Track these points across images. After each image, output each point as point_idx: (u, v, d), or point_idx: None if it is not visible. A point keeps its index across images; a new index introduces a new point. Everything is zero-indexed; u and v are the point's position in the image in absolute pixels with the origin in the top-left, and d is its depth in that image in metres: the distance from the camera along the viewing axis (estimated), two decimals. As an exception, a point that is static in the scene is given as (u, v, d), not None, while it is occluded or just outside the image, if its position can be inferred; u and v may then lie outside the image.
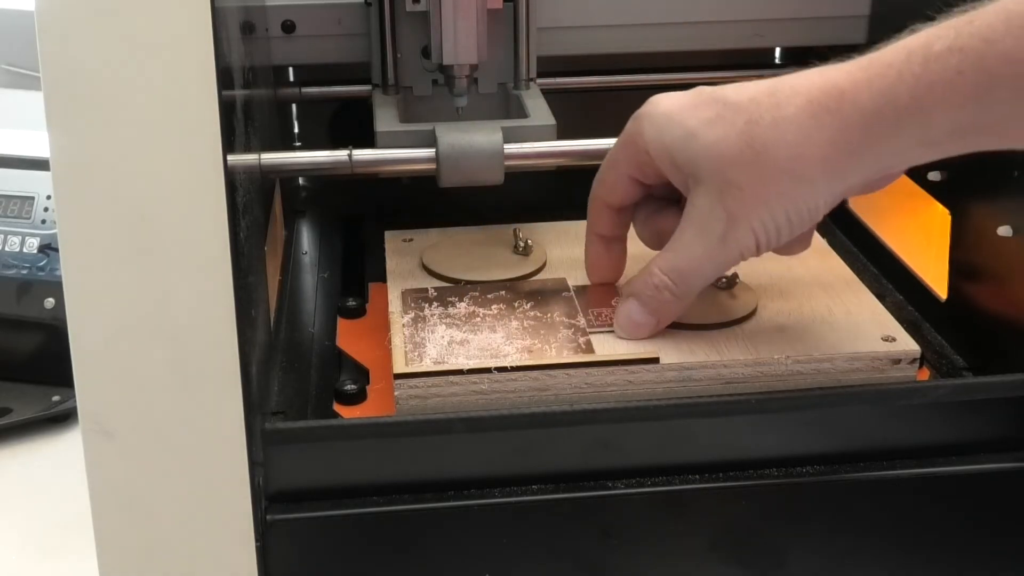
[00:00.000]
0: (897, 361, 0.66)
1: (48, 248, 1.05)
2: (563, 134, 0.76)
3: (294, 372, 0.72)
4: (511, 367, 0.64)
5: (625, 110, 0.67)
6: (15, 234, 1.06)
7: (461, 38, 0.77)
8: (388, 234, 0.81)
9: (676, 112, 0.63)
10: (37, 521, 0.89)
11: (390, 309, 0.71)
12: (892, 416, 0.65)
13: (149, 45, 0.53)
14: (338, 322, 0.78)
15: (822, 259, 0.77)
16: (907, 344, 0.67)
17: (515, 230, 0.79)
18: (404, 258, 0.78)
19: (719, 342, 0.66)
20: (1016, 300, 0.68)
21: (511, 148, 0.74)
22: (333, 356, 0.74)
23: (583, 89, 0.92)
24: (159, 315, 0.56)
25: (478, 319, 0.69)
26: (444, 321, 0.69)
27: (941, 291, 0.76)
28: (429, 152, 0.74)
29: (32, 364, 1.05)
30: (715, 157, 0.61)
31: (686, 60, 0.88)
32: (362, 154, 0.74)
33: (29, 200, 1.06)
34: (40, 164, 1.06)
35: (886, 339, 0.67)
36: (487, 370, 0.64)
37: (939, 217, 0.76)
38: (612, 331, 0.67)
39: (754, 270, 0.72)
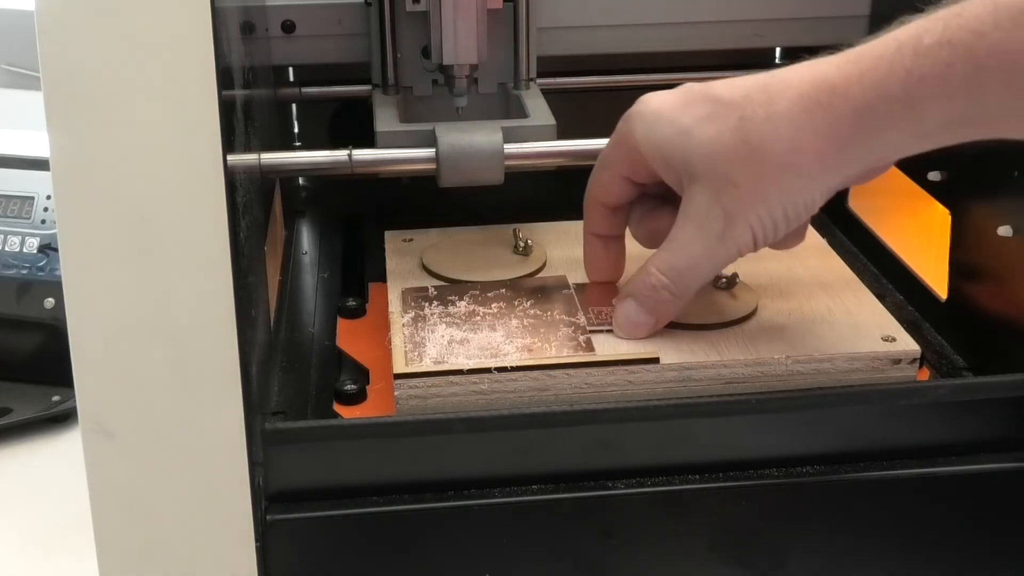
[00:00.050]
0: (897, 361, 0.66)
1: (48, 248, 1.05)
2: (563, 134, 0.76)
3: (294, 372, 0.72)
4: (511, 367, 0.64)
5: (625, 110, 0.67)
6: (15, 234, 1.06)
7: (461, 38, 0.77)
8: (388, 234, 0.81)
9: (667, 110, 0.63)
10: (37, 521, 0.89)
11: (390, 309, 0.71)
12: (892, 416, 0.65)
13: (149, 45, 0.53)
14: (338, 322, 0.78)
15: (822, 259, 0.77)
16: (907, 344, 0.67)
17: (515, 230, 0.79)
18: (404, 258, 0.78)
19: (719, 342, 0.66)
20: (1016, 300, 0.68)
21: (511, 148, 0.74)
22: (333, 356, 0.74)
23: (583, 89, 0.92)
24: (159, 315, 0.56)
25: (478, 318, 0.69)
26: (444, 320, 0.69)
27: (941, 291, 0.76)
28: (429, 152, 0.74)
29: (32, 364, 1.05)
30: (710, 155, 0.61)
31: (686, 60, 0.88)
32: (362, 154, 0.74)
33: (29, 200, 1.06)
34: (40, 164, 1.06)
35: (886, 339, 0.67)
36: (487, 370, 0.64)
37: (939, 217, 0.76)
38: (612, 330, 0.67)
39: (754, 270, 0.72)
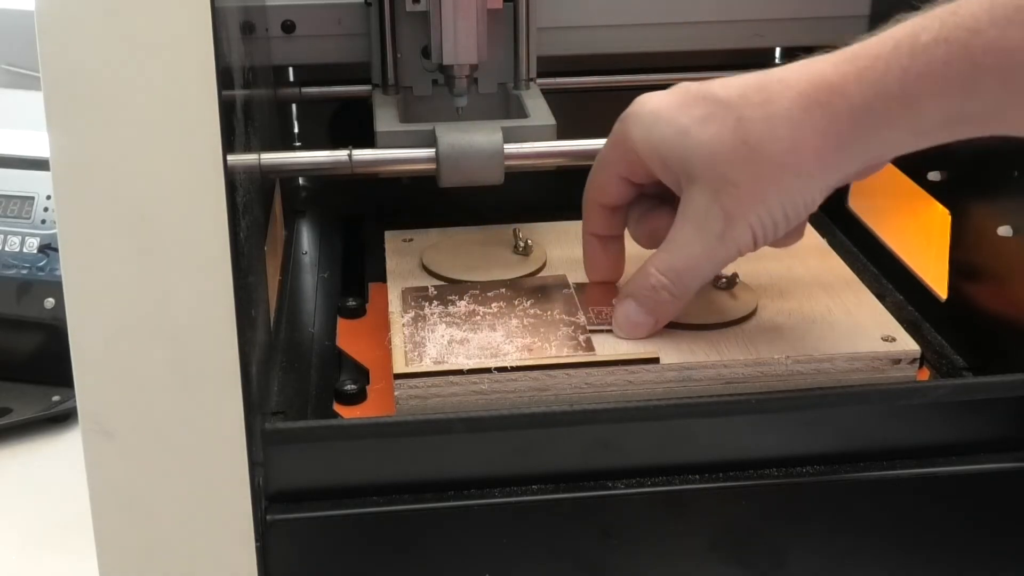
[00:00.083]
0: (897, 361, 0.66)
1: (48, 248, 1.05)
2: (563, 134, 0.76)
3: (294, 372, 0.72)
4: (511, 367, 0.64)
5: (625, 110, 0.67)
6: (15, 234, 1.06)
7: (461, 38, 0.77)
8: (388, 234, 0.81)
9: (664, 111, 0.63)
10: (37, 521, 0.89)
11: (390, 309, 0.71)
12: (892, 416, 0.65)
13: (149, 45, 0.53)
14: (338, 322, 0.78)
15: (822, 259, 0.77)
16: (907, 344, 0.67)
17: (515, 230, 0.79)
18: (404, 258, 0.78)
19: (719, 342, 0.66)
20: (1016, 300, 0.68)
21: (511, 148, 0.74)
22: (333, 356, 0.74)
23: (583, 89, 0.92)
24: (159, 315, 0.56)
25: (478, 317, 0.69)
26: (444, 320, 0.69)
27: (941, 291, 0.76)
28: (429, 152, 0.74)
29: (32, 364, 1.05)
30: (709, 155, 0.61)
31: (686, 60, 0.88)
32: (362, 154, 0.74)
33: (29, 200, 1.06)
34: (40, 164, 1.06)
35: (886, 339, 0.67)
36: (487, 370, 0.64)
37: (939, 217, 0.76)
38: (612, 330, 0.67)
39: (754, 270, 0.72)
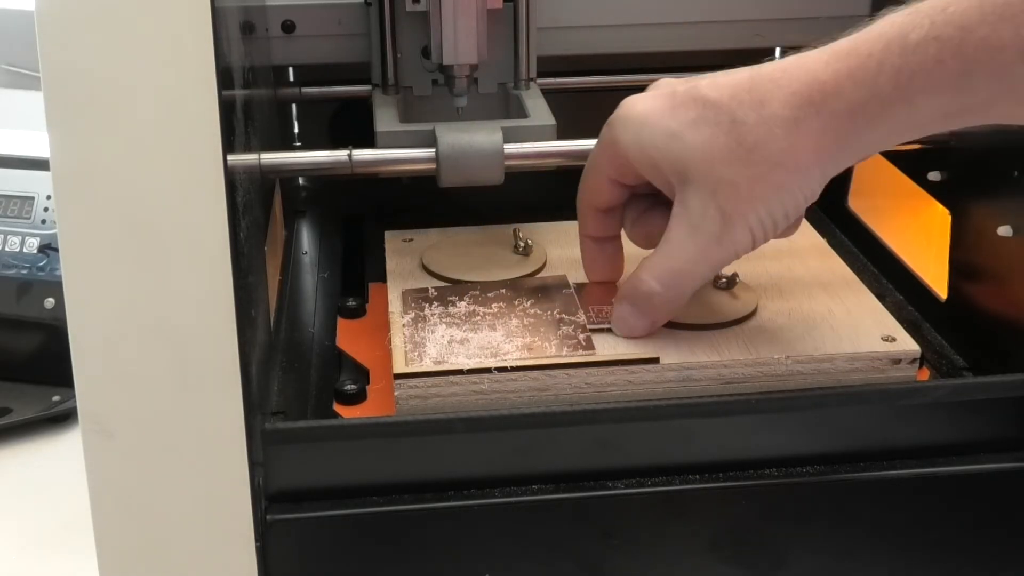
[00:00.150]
0: (897, 361, 0.66)
1: (48, 248, 1.05)
2: (563, 134, 0.76)
3: (294, 372, 0.72)
4: (511, 367, 0.64)
5: (624, 110, 0.67)
6: (15, 234, 1.06)
7: (461, 38, 0.77)
8: (388, 234, 0.81)
9: (653, 115, 0.63)
10: (37, 521, 0.89)
11: (390, 309, 0.71)
12: (892, 416, 0.65)
13: (149, 45, 0.53)
14: (338, 322, 0.78)
15: (822, 259, 0.77)
16: (907, 344, 0.67)
17: (515, 230, 0.79)
18: (404, 258, 0.78)
19: (719, 342, 0.66)
20: (1016, 300, 0.68)
21: (511, 148, 0.74)
22: (333, 356, 0.74)
23: (583, 89, 0.92)
24: (159, 315, 0.56)
25: (478, 318, 0.69)
26: (444, 320, 0.69)
27: (941, 291, 0.76)
28: (429, 152, 0.74)
29: (32, 364, 1.05)
30: (704, 158, 0.61)
31: (686, 60, 0.88)
32: (362, 154, 0.74)
33: (29, 200, 1.06)
34: (40, 164, 1.06)
35: (886, 339, 0.67)
36: (487, 370, 0.64)
37: (939, 217, 0.76)
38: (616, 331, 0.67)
39: (754, 270, 0.72)
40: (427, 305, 0.70)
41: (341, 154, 0.74)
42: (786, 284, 0.73)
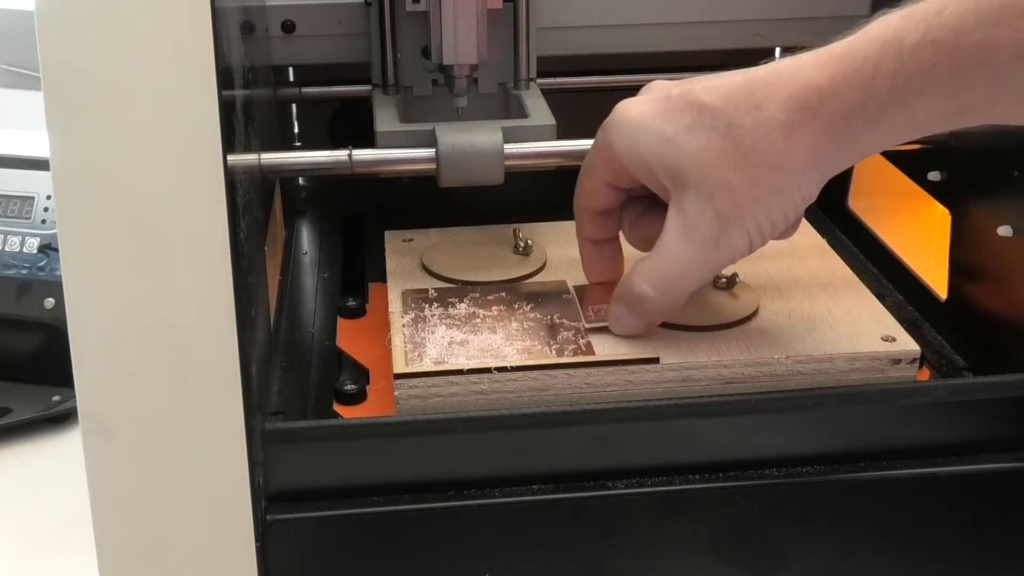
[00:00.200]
0: (897, 361, 0.66)
1: (48, 248, 1.05)
2: (563, 134, 0.76)
3: (294, 372, 0.72)
4: (511, 367, 0.64)
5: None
6: (15, 234, 1.06)
7: (461, 38, 0.77)
8: (388, 234, 0.81)
9: (647, 119, 0.63)
10: (37, 521, 0.89)
11: (390, 309, 0.71)
12: (892, 416, 0.65)
13: (149, 45, 0.53)
14: (338, 322, 0.78)
15: (822, 259, 0.77)
16: (907, 344, 0.67)
17: (515, 230, 0.79)
18: (404, 258, 0.78)
19: (719, 342, 0.66)
20: (1016, 300, 0.68)
21: (511, 148, 0.74)
22: (333, 356, 0.74)
23: (583, 89, 0.92)
24: (159, 315, 0.56)
25: (478, 320, 0.69)
26: (444, 322, 0.69)
27: (941, 291, 0.76)
28: (429, 152, 0.74)
29: (32, 364, 1.05)
30: (700, 163, 0.61)
31: (686, 60, 0.88)
32: (362, 154, 0.74)
33: (29, 200, 1.07)
34: (40, 164, 1.06)
35: (886, 339, 0.67)
36: (487, 370, 0.64)
37: (939, 217, 0.76)
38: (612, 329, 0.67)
39: (754, 270, 0.72)
40: (427, 306, 0.70)
41: (341, 154, 0.74)
42: (786, 284, 0.73)
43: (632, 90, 0.67)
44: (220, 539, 0.60)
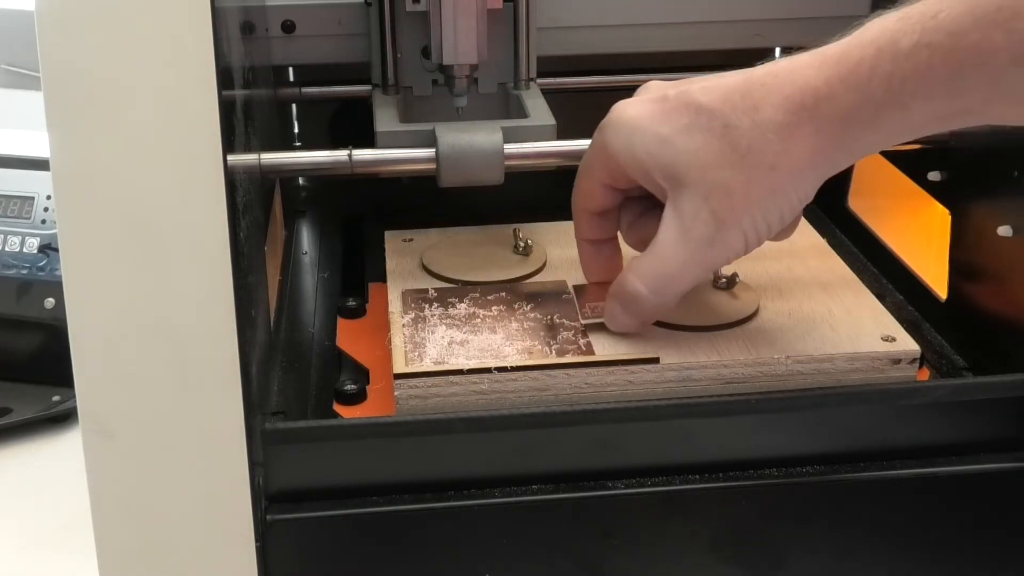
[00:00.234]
0: (897, 361, 0.66)
1: (48, 248, 1.05)
2: (563, 134, 0.76)
3: (294, 372, 0.72)
4: (511, 367, 0.64)
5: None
6: (15, 234, 1.06)
7: (461, 38, 0.77)
8: (388, 234, 0.81)
9: (644, 120, 0.63)
10: (37, 521, 0.89)
11: (390, 309, 0.71)
12: (892, 416, 0.65)
13: (149, 45, 0.53)
14: (338, 322, 0.78)
15: (822, 259, 0.77)
16: (907, 344, 0.67)
17: (515, 230, 0.79)
18: (404, 258, 0.78)
19: (719, 342, 0.66)
20: (1016, 300, 0.68)
21: (511, 148, 0.74)
22: (333, 356, 0.74)
23: (583, 89, 0.92)
24: (159, 315, 0.56)
25: (478, 320, 0.69)
26: (444, 322, 0.69)
27: (941, 291, 0.76)
28: (429, 152, 0.74)
29: (32, 364, 1.05)
30: (697, 163, 0.61)
31: (686, 60, 0.88)
32: (362, 154, 0.74)
33: (29, 200, 1.07)
34: (40, 164, 1.06)
35: (886, 339, 0.67)
36: (487, 370, 0.64)
37: (939, 217, 0.76)
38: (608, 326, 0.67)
39: (754, 270, 0.72)
40: (427, 306, 0.70)
41: (341, 154, 0.74)
42: (786, 284, 0.73)
43: (632, 90, 0.67)
44: (220, 539, 0.60)
